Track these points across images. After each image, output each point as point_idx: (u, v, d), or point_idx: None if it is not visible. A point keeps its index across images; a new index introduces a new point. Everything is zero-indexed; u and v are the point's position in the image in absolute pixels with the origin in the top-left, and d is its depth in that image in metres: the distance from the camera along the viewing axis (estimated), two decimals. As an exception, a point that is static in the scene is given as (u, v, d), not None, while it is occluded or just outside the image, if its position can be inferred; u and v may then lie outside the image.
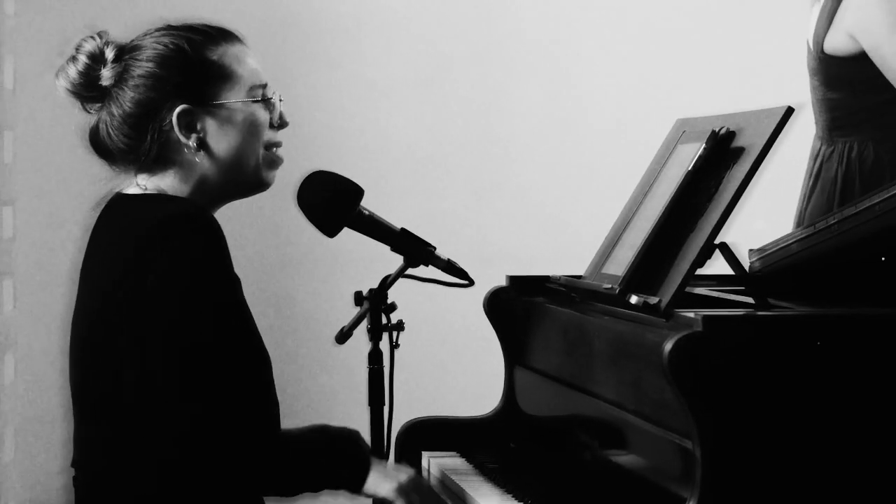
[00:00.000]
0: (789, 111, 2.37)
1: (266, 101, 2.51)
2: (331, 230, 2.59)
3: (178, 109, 2.43)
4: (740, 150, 2.44)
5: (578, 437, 2.66)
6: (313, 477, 2.46)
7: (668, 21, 4.78)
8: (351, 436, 2.54)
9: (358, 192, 2.60)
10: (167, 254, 2.33)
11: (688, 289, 2.69)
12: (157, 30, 2.52)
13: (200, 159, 2.46)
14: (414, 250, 2.62)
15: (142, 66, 2.46)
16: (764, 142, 2.37)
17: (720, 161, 2.48)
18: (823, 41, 3.58)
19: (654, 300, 2.36)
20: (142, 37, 2.52)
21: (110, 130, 2.48)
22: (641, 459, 2.40)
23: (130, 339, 2.36)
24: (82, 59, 2.48)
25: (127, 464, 2.38)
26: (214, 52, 2.49)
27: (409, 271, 2.67)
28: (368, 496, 2.51)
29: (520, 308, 2.94)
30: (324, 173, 2.58)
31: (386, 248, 2.66)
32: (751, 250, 3.02)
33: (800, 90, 3.77)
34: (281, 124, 2.56)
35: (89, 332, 2.42)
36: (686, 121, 2.73)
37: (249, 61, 2.53)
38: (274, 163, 2.54)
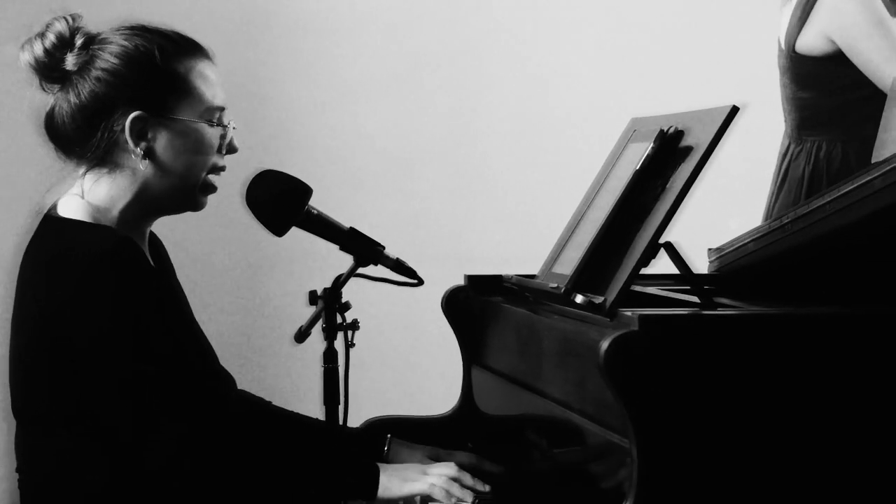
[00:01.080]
0: (734, 110, 2.37)
1: (220, 126, 2.51)
2: (279, 229, 2.58)
3: (133, 115, 2.43)
4: (688, 150, 2.44)
5: (529, 437, 2.66)
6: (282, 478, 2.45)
7: (643, 21, 4.78)
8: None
9: (306, 191, 2.60)
10: (89, 282, 2.33)
11: (642, 288, 2.72)
12: (130, 28, 2.52)
13: (144, 168, 2.46)
14: (363, 250, 2.61)
15: (107, 61, 2.45)
16: (709, 141, 2.37)
17: (668, 160, 2.48)
18: (795, 41, 3.59)
19: (599, 299, 2.35)
20: (113, 31, 2.51)
21: (65, 117, 2.47)
22: (587, 459, 2.40)
23: (58, 354, 2.36)
24: (50, 37, 2.47)
25: (69, 467, 2.39)
26: (182, 65, 2.48)
27: (361, 270, 2.67)
28: (386, 500, 2.47)
29: (477, 307, 2.94)
30: (272, 172, 2.58)
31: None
32: (709, 250, 3.02)
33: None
34: (229, 150, 2.55)
35: (23, 342, 2.42)
36: (638, 120, 2.73)
37: (213, 81, 2.52)
38: (209, 188, 2.54)
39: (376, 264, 2.64)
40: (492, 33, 4.74)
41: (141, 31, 2.51)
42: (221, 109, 2.52)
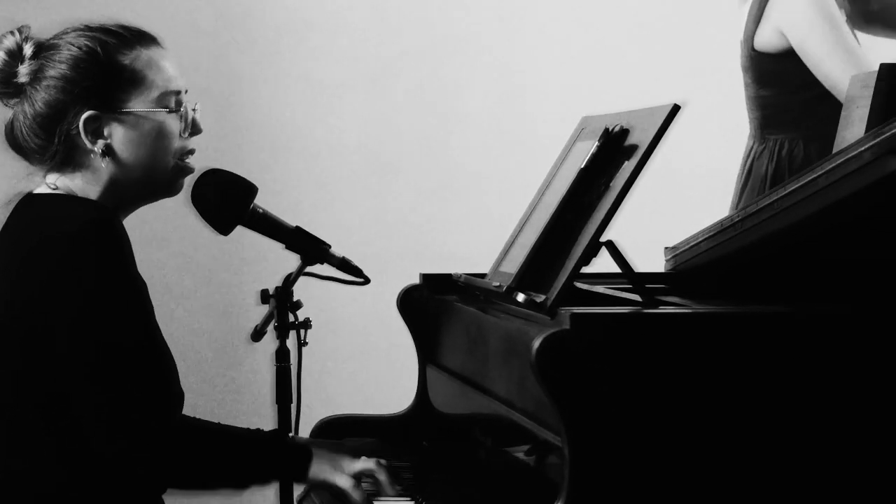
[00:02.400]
0: (675, 109, 2.36)
1: (177, 110, 2.49)
2: (224, 228, 2.58)
3: (84, 115, 2.43)
4: (631, 148, 2.43)
5: (477, 436, 2.66)
6: (230, 467, 2.46)
7: (618, 22, 4.78)
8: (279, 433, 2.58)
9: (252, 189, 2.60)
10: (70, 260, 2.34)
11: (591, 287, 2.71)
12: (75, 29, 2.52)
13: (106, 165, 2.46)
14: (308, 248, 2.62)
15: (55, 68, 2.45)
16: (650, 139, 2.36)
17: (613, 159, 2.47)
18: (753, 38, 3.59)
19: (540, 298, 2.35)
20: (60, 35, 2.51)
21: (23, 128, 2.48)
22: (527, 458, 2.39)
23: (30, 338, 2.37)
24: (1, 54, 2.49)
25: (28, 461, 2.40)
26: (127, 56, 2.47)
27: (309, 269, 2.67)
28: (316, 484, 2.51)
29: (432, 306, 2.94)
30: (217, 171, 2.58)
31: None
32: (665, 248, 3.02)
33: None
34: (193, 132, 2.53)
35: None
36: (588, 118, 2.73)
37: (164, 66, 2.51)
38: (183, 171, 2.52)
39: (322, 263, 2.64)
40: (467, 33, 4.74)
41: (83, 31, 2.50)
42: (177, 93, 2.50)
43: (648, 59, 4.75)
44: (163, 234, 4.52)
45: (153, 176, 2.49)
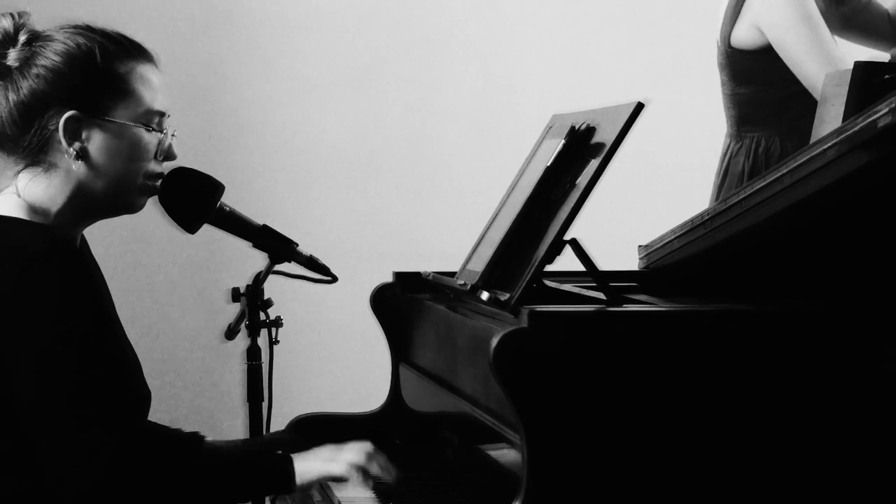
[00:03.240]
0: (639, 106, 2.36)
1: (157, 131, 2.48)
2: (190, 226, 2.58)
3: (67, 114, 2.41)
4: (597, 146, 2.43)
5: (445, 434, 2.66)
6: (215, 486, 2.40)
7: (602, 20, 4.77)
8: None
9: (218, 187, 2.59)
10: (23, 284, 2.30)
11: (558, 285, 2.71)
12: (75, 27, 2.50)
13: (77, 168, 2.43)
14: (275, 247, 2.61)
15: (48, 58, 2.43)
16: (613, 138, 2.36)
17: (580, 156, 2.47)
18: (730, 35, 3.59)
19: (504, 296, 2.35)
20: (58, 29, 2.49)
21: (1, 111, 2.45)
22: (491, 456, 2.39)
23: None
24: None
25: None
26: (123, 66, 2.45)
27: (278, 268, 2.67)
28: (309, 487, 2.47)
29: (404, 305, 2.94)
30: (184, 170, 2.58)
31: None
32: (639, 247, 3.01)
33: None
34: (167, 156, 2.51)
35: None
36: (557, 116, 2.72)
37: (155, 85, 2.49)
38: (149, 191, 2.50)
39: (290, 261, 2.64)
40: (450, 32, 4.73)
41: (85, 31, 2.49)
42: (161, 115, 2.49)
43: (630, 57, 4.74)
44: (142, 232, 4.52)
45: (119, 189, 2.46)
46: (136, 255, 4.45)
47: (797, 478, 2.16)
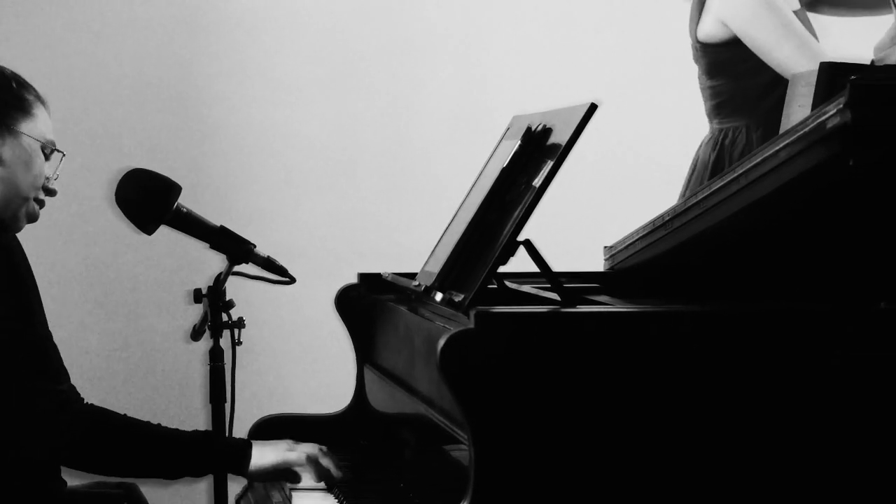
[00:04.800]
0: (592, 107, 2.35)
1: (49, 158, 2.64)
2: (147, 227, 2.59)
3: None
4: (552, 147, 2.43)
5: (404, 435, 2.66)
6: (152, 455, 2.56)
7: (581, 19, 4.76)
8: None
9: (174, 188, 2.60)
10: None
11: (519, 286, 2.70)
12: None
13: None
14: (233, 248, 2.62)
15: None
16: (567, 138, 2.36)
17: (536, 157, 2.46)
18: (696, 30, 3.61)
19: (459, 297, 2.34)
20: None
21: None
22: (444, 457, 2.39)
23: None
24: None
25: None
26: (31, 95, 2.66)
27: (238, 269, 2.67)
28: (261, 473, 2.58)
29: (368, 306, 2.94)
30: (140, 171, 2.59)
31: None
32: (604, 247, 3.01)
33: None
34: (50, 190, 2.66)
35: None
36: (517, 117, 2.73)
37: (49, 123, 2.68)
38: (33, 216, 2.65)
39: (247, 262, 2.65)
40: (428, 31, 4.72)
41: None
42: (53, 144, 2.66)
43: (608, 57, 4.73)
44: (107, 232, 4.52)
45: (14, 201, 2.60)
46: (100, 255, 4.45)
47: (746, 479, 2.16)
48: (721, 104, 3.62)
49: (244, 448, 2.60)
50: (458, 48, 4.71)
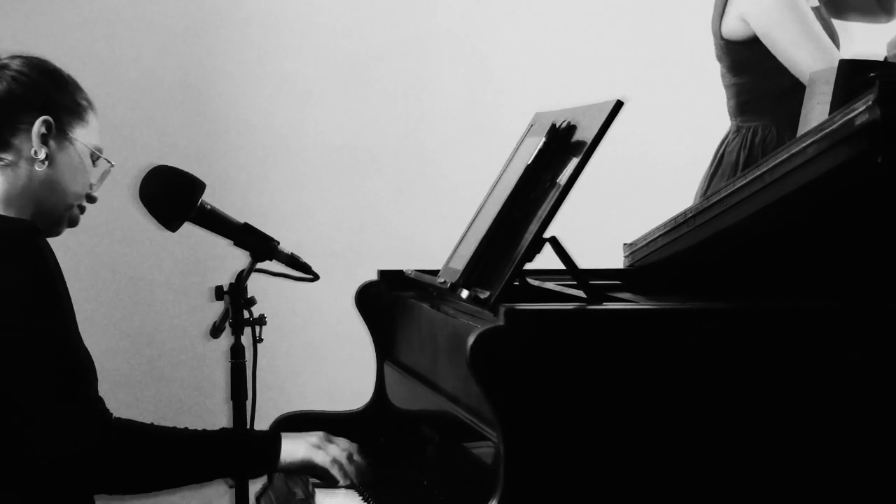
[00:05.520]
0: (618, 104, 2.35)
1: (94, 164, 2.60)
2: (171, 224, 2.59)
3: (43, 117, 2.52)
4: (577, 144, 2.43)
5: (426, 432, 2.66)
6: (185, 461, 2.49)
7: (591, 17, 4.76)
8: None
9: (198, 185, 2.60)
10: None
11: (542, 283, 2.70)
12: (41, 58, 2.63)
13: (38, 172, 2.53)
14: (257, 245, 2.62)
15: (26, 68, 2.57)
16: (593, 135, 2.36)
17: (561, 154, 2.47)
18: (720, 27, 3.60)
19: (485, 294, 2.34)
20: (16, 56, 2.61)
21: None
22: (471, 454, 2.39)
23: None
24: None
25: None
26: (85, 100, 2.61)
27: (261, 266, 2.67)
28: (289, 467, 2.54)
29: (389, 303, 2.93)
30: (165, 168, 2.59)
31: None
32: (624, 244, 3.01)
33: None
34: (90, 198, 2.62)
35: None
36: (540, 114, 2.72)
37: (98, 129, 2.63)
38: (75, 221, 2.61)
39: (271, 259, 2.65)
40: (440, 30, 4.72)
41: (48, 61, 2.62)
42: (100, 156, 2.62)
43: (620, 55, 4.74)
44: (126, 230, 4.52)
45: (61, 206, 2.56)
46: (121, 253, 4.45)
47: (773, 476, 2.16)
48: (745, 102, 3.62)
49: (274, 440, 2.55)
50: (469, 47, 4.71)
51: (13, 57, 2.60)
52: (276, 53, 4.61)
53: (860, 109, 2.13)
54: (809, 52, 3.46)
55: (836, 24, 3.73)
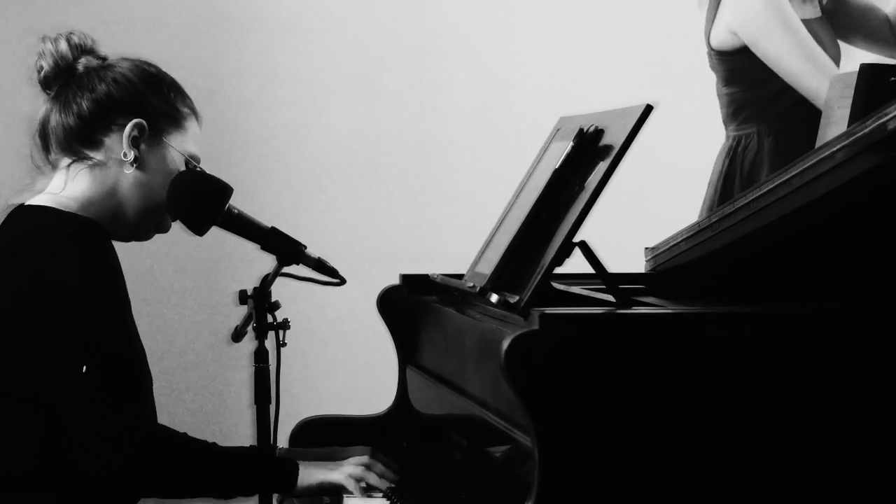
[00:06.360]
0: (648, 108, 2.36)
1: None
2: (199, 228, 2.59)
3: (136, 120, 2.55)
4: (605, 148, 2.43)
5: (453, 437, 2.66)
6: (211, 477, 2.51)
7: (605, 21, 4.77)
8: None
9: (226, 190, 2.60)
10: (54, 269, 2.40)
11: (567, 287, 2.70)
12: (146, 61, 2.66)
13: (127, 173, 2.55)
14: (284, 249, 2.62)
15: (126, 70, 2.60)
16: (623, 139, 2.36)
17: (587, 158, 2.47)
18: (710, 37, 3.62)
19: (514, 299, 2.35)
20: (123, 58, 2.65)
21: (70, 110, 2.57)
22: (501, 459, 2.39)
23: (11, 345, 2.41)
24: (74, 39, 2.61)
25: (3, 465, 2.42)
26: (185, 106, 2.63)
27: (286, 270, 2.67)
28: (306, 491, 2.56)
29: (411, 307, 2.94)
30: (193, 172, 2.59)
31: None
32: (646, 249, 3.01)
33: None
34: None
35: None
36: (565, 118, 2.73)
37: (199, 137, 2.66)
38: (163, 228, 2.64)
39: (298, 263, 2.65)
40: (453, 34, 4.73)
41: (156, 66, 2.66)
42: (198, 159, 2.63)
43: (633, 59, 4.75)
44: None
45: (148, 211, 2.58)
46: (141, 257, 4.45)
47: (804, 477, 2.17)
48: (736, 111, 3.64)
49: (292, 468, 2.57)
50: (482, 50, 4.72)
51: (123, 59, 2.63)
52: (289, 57, 4.62)
53: (893, 114, 2.14)
54: (799, 60, 3.47)
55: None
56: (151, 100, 2.57)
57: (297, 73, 4.60)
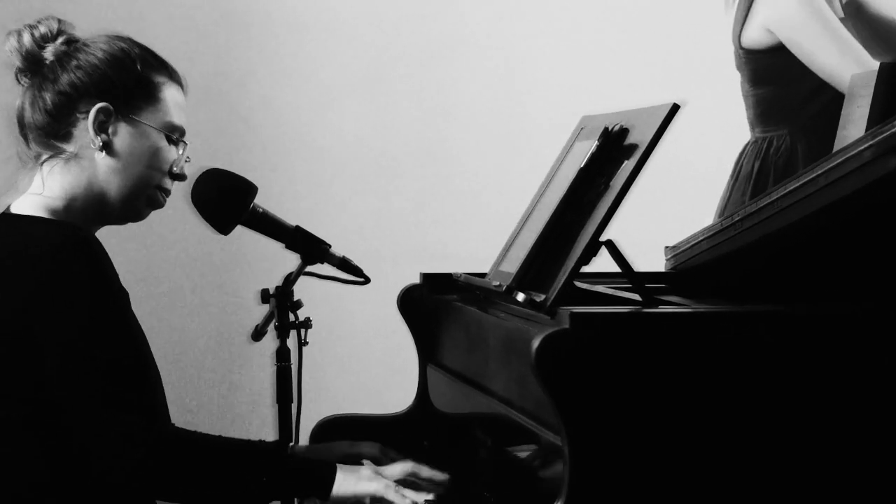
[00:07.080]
0: (675, 108, 2.36)
1: (176, 143, 2.55)
2: (224, 227, 2.59)
3: (98, 105, 2.49)
4: (631, 147, 2.43)
5: (477, 436, 2.66)
6: (238, 483, 2.43)
7: (617, 20, 4.77)
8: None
9: (251, 189, 2.60)
10: (50, 276, 2.36)
11: (591, 286, 2.70)
12: (118, 36, 2.59)
13: (99, 160, 2.50)
14: (308, 248, 2.62)
15: (90, 55, 2.52)
16: (650, 139, 2.36)
17: (612, 158, 2.47)
18: (740, 37, 3.61)
19: (540, 297, 2.35)
20: (100, 36, 2.59)
21: (36, 102, 2.53)
22: (528, 458, 2.39)
23: (13, 354, 2.38)
24: (40, 29, 2.55)
25: (13, 473, 2.40)
26: (156, 76, 2.55)
27: (309, 269, 2.67)
28: (341, 500, 2.46)
29: (432, 306, 2.94)
30: (217, 171, 2.59)
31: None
32: (666, 248, 3.01)
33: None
34: (178, 175, 2.57)
35: None
36: (587, 118, 2.72)
37: (181, 104, 2.59)
38: (155, 203, 2.56)
39: (322, 262, 2.64)
40: (466, 35, 4.73)
41: (127, 39, 2.58)
42: (182, 130, 2.57)
43: (648, 59, 4.75)
44: (165, 234, 4.53)
45: (132, 192, 2.52)
46: (161, 256, 4.46)
47: (837, 478, 2.17)
48: (765, 112, 3.63)
49: (330, 472, 2.46)
50: (496, 50, 4.72)
51: (95, 38, 2.57)
52: (304, 56, 4.63)
53: (922, 113, 2.14)
54: (837, 54, 3.47)
55: None
56: (115, 80, 2.51)
57: (311, 73, 4.61)
